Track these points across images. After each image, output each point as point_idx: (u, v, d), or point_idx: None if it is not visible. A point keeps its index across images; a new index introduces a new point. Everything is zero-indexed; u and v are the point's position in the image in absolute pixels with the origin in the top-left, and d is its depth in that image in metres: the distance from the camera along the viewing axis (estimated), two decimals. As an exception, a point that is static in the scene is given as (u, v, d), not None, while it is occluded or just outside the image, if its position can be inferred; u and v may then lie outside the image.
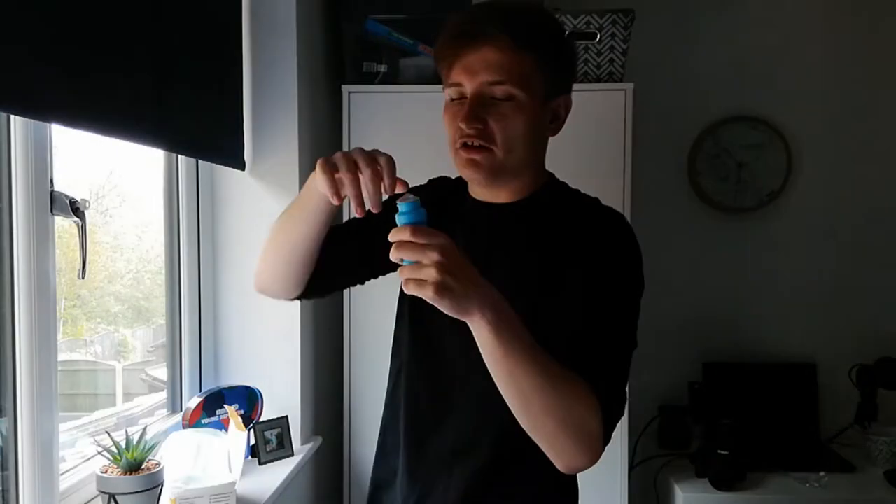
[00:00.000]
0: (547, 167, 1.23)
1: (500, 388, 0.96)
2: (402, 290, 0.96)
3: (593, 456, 0.99)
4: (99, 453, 1.32)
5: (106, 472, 1.31)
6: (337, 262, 1.23)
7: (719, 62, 2.60)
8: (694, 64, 2.60)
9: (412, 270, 0.87)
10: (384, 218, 1.09)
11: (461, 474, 1.15)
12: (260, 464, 1.79)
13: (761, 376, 2.54)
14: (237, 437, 1.65)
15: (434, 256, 0.86)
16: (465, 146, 1.08)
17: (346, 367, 2.20)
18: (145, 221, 1.87)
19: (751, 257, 2.64)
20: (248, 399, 1.85)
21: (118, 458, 1.31)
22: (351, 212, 1.01)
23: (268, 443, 1.82)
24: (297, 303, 1.91)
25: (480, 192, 1.19)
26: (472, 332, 0.93)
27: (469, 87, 1.06)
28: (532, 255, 1.11)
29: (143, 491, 1.30)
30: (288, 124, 1.91)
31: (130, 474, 1.30)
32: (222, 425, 1.74)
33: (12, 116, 1.16)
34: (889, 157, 2.60)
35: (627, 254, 1.10)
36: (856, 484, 2.14)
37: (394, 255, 0.88)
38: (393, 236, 0.88)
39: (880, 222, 2.61)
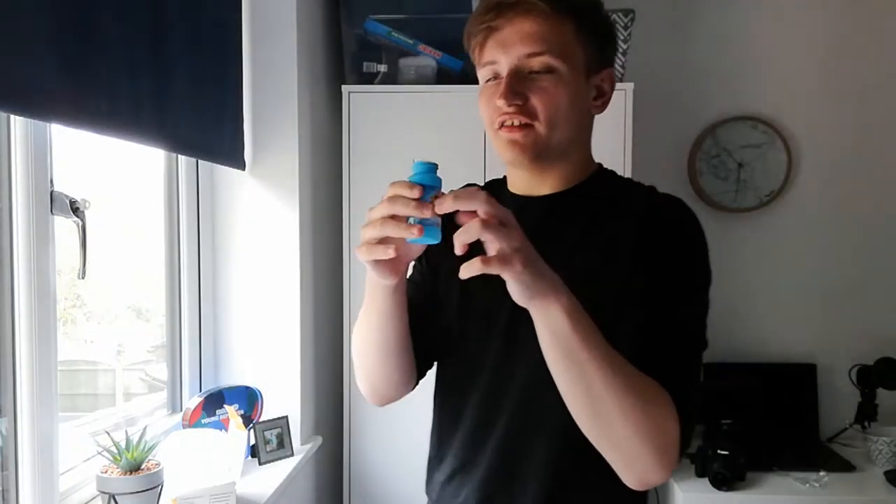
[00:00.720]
0: None
1: (564, 390, 0.86)
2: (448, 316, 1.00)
3: (669, 467, 0.87)
4: (99, 453, 1.32)
5: (106, 472, 1.31)
6: (428, 331, 1.10)
7: (719, 62, 2.60)
8: (694, 64, 2.60)
9: (500, 262, 0.77)
10: (432, 251, 1.05)
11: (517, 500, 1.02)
12: (260, 464, 1.79)
13: (761, 376, 2.54)
14: (237, 437, 1.65)
15: (515, 242, 0.77)
16: (505, 126, 0.98)
17: (346, 367, 2.20)
18: (145, 221, 1.87)
19: (751, 257, 2.64)
20: (248, 399, 1.85)
21: (118, 458, 1.31)
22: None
23: (268, 443, 1.82)
24: (297, 303, 1.92)
25: (521, 184, 1.08)
26: (540, 321, 0.83)
27: (505, 63, 0.97)
28: (586, 252, 0.99)
29: (143, 491, 1.30)
30: (288, 124, 1.91)
31: (130, 474, 1.30)
32: (222, 425, 1.74)
33: (12, 116, 1.16)
34: (889, 157, 2.60)
35: (693, 243, 0.98)
36: (856, 484, 2.14)
37: (470, 235, 0.77)
38: (455, 204, 0.78)
39: (880, 222, 2.61)
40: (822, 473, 2.13)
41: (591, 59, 1.00)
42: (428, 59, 2.16)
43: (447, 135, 2.12)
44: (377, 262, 0.88)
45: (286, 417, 1.88)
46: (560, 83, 0.96)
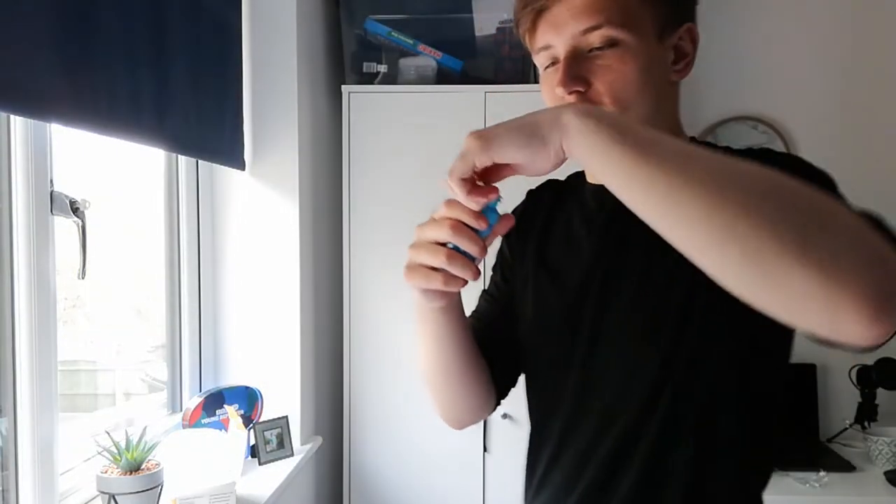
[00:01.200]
0: None
1: (679, 237, 0.59)
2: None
3: (885, 310, 0.52)
4: (99, 453, 1.32)
5: (106, 472, 1.30)
6: (506, 347, 1.00)
7: (719, 62, 2.60)
8: (694, 64, 2.60)
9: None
10: (506, 262, 1.02)
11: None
12: (260, 464, 1.79)
13: (761, 376, 2.54)
14: (237, 437, 1.65)
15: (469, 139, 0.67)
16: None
17: (346, 367, 2.20)
18: (145, 221, 1.87)
19: (751, 257, 2.64)
20: (248, 399, 1.85)
21: (118, 458, 1.31)
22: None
23: (268, 443, 1.82)
24: (297, 303, 1.92)
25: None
26: (580, 155, 0.64)
27: (560, 45, 0.84)
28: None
29: (143, 491, 1.30)
30: (288, 124, 1.91)
31: (130, 474, 1.30)
32: (222, 425, 1.74)
33: (12, 116, 1.15)
34: (889, 157, 2.60)
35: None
36: (856, 484, 2.14)
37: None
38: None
39: (880, 222, 2.61)
40: (821, 473, 2.13)
41: (664, 17, 0.86)
42: (428, 59, 2.16)
43: (447, 135, 2.12)
44: (430, 290, 0.77)
45: (286, 417, 1.88)
46: (627, 56, 0.83)
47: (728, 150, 0.83)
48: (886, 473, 2.15)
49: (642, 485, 0.83)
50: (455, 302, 0.86)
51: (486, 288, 1.08)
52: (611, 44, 0.82)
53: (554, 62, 0.86)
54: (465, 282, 0.73)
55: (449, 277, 0.72)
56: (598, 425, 0.87)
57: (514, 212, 1.03)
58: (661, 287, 0.82)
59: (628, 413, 0.84)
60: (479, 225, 0.70)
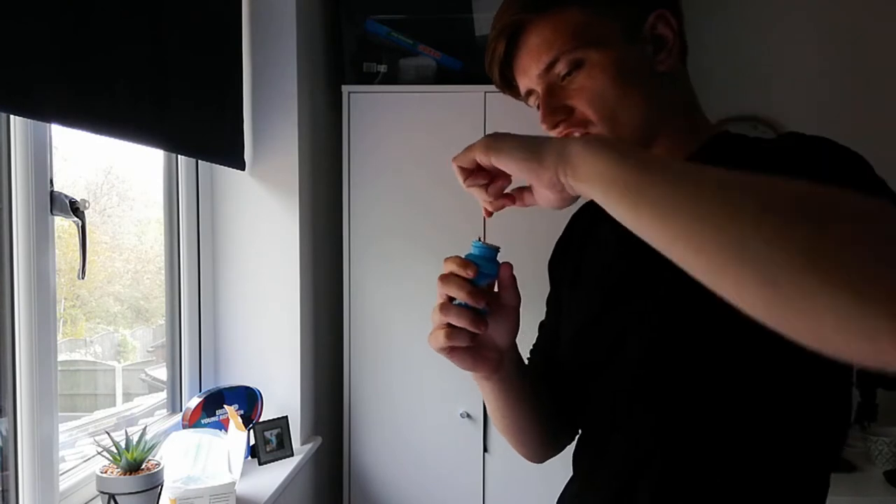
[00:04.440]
0: None
1: (704, 269, 0.52)
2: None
3: None
4: (99, 453, 1.32)
5: (106, 472, 1.31)
6: (567, 383, 0.96)
7: (719, 62, 2.60)
8: (694, 64, 2.59)
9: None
10: (551, 291, 1.02)
11: None
12: (260, 464, 1.79)
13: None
14: (237, 437, 1.65)
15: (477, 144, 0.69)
16: None
17: (346, 367, 2.20)
18: (144, 221, 1.87)
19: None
20: (248, 399, 1.85)
21: (118, 458, 1.31)
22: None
23: (268, 443, 1.82)
24: (297, 303, 1.92)
25: None
26: (582, 190, 0.63)
27: (537, 87, 0.86)
28: None
29: (142, 491, 1.30)
30: (288, 124, 1.91)
31: (130, 474, 1.30)
32: (222, 425, 1.74)
33: (12, 116, 1.16)
34: (889, 157, 2.60)
35: (846, 173, 0.69)
36: (856, 484, 2.14)
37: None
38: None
39: (880, 222, 2.61)
40: (822, 473, 2.13)
41: (626, 17, 0.84)
42: (428, 59, 2.16)
43: (447, 135, 2.12)
44: (454, 352, 0.78)
45: (286, 417, 1.88)
46: (595, 72, 0.82)
47: (757, 141, 0.84)
48: (886, 473, 2.15)
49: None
50: (504, 370, 0.86)
51: (544, 321, 1.08)
52: (576, 65, 0.82)
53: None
54: (472, 335, 0.75)
55: (451, 331, 0.74)
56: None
57: (558, 240, 1.06)
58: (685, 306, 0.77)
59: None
60: (466, 273, 0.73)
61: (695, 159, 0.83)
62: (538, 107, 0.87)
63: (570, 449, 0.99)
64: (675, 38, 0.86)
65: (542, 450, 1.01)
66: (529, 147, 0.66)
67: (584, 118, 0.83)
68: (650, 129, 0.84)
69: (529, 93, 0.88)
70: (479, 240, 0.76)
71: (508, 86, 0.91)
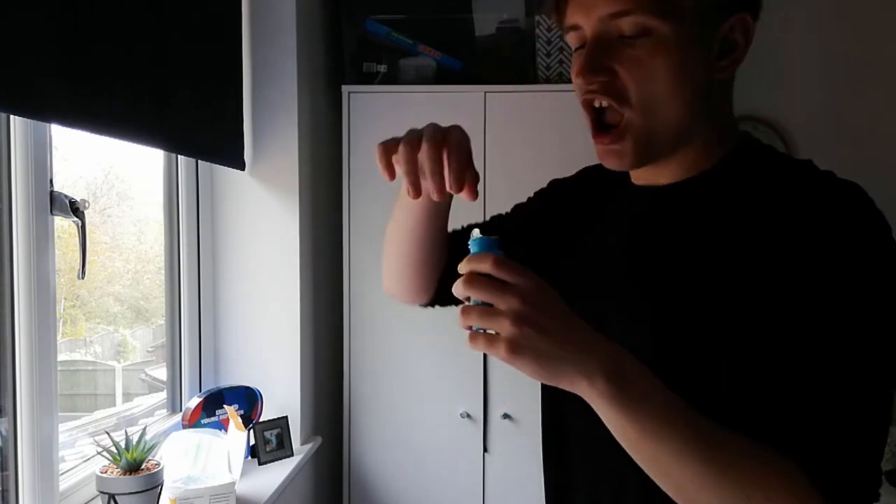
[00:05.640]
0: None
1: (645, 470, 0.67)
2: None
3: None
4: (99, 453, 1.32)
5: (106, 472, 1.31)
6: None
7: (719, 62, 2.60)
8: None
9: (481, 316, 0.63)
10: (533, 214, 0.97)
11: None
12: (260, 464, 1.79)
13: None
14: (237, 437, 1.65)
15: (513, 302, 0.61)
16: (597, 131, 0.79)
17: (346, 367, 2.20)
18: (144, 221, 1.87)
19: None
20: (247, 399, 1.85)
21: (118, 458, 1.31)
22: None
23: (268, 443, 1.82)
24: (297, 303, 1.92)
25: (637, 174, 0.87)
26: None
27: (587, 27, 0.76)
28: (714, 259, 0.74)
29: (142, 491, 1.30)
30: (288, 124, 1.91)
31: (130, 474, 1.30)
32: (222, 425, 1.74)
33: (12, 116, 1.16)
34: (889, 158, 2.60)
35: (871, 253, 0.68)
36: (856, 484, 2.14)
37: (459, 290, 0.64)
38: (465, 265, 0.64)
39: (880, 222, 2.60)
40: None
41: (713, 3, 0.75)
42: (428, 59, 2.16)
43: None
44: (387, 163, 0.76)
45: (286, 417, 1.88)
46: (660, 49, 0.73)
47: (783, 163, 0.79)
48: (886, 473, 2.15)
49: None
50: (441, 207, 0.87)
51: (499, 214, 1.05)
52: (643, 32, 0.73)
53: (583, 44, 0.78)
54: None
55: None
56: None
57: (564, 180, 1.02)
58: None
59: None
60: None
61: (717, 170, 0.80)
62: (577, 48, 0.79)
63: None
64: (745, 48, 0.80)
65: (414, 288, 1.03)
66: (552, 366, 0.62)
67: (623, 91, 0.75)
68: (681, 136, 0.79)
69: (574, 28, 0.78)
70: (479, 233, 0.69)
71: (556, 7, 0.81)
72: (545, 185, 1.06)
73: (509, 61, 2.19)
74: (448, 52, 2.16)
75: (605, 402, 0.63)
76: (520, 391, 2.11)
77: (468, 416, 2.13)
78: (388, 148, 0.75)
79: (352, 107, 2.17)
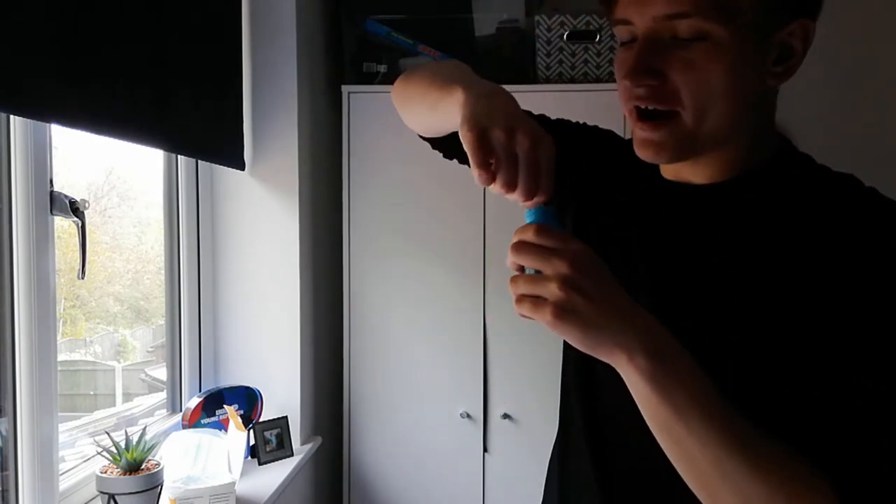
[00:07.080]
0: None
1: (669, 457, 0.67)
2: None
3: None
4: (99, 453, 1.32)
5: (106, 472, 1.31)
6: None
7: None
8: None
9: (528, 283, 0.63)
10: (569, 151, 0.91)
11: None
12: (260, 464, 1.79)
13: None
14: (237, 438, 1.65)
15: (561, 267, 0.61)
16: (639, 117, 0.75)
17: (346, 367, 2.20)
18: (145, 221, 1.87)
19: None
20: (247, 399, 1.85)
21: (118, 458, 1.31)
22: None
23: (268, 443, 1.82)
24: (297, 304, 1.92)
25: (670, 168, 0.83)
26: (623, 379, 0.65)
27: (640, 24, 0.72)
28: (753, 264, 0.73)
29: (142, 491, 1.30)
30: (288, 124, 1.91)
31: (130, 474, 1.30)
32: (222, 425, 1.74)
33: (12, 116, 1.16)
34: (889, 158, 2.60)
35: None
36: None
37: (509, 261, 0.65)
38: (515, 236, 0.65)
39: (880, 222, 2.60)
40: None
41: (773, 8, 0.72)
42: (428, 59, 2.17)
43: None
44: (485, 165, 0.68)
45: (286, 417, 1.88)
46: (715, 53, 0.70)
47: (823, 176, 0.78)
48: (886, 473, 2.15)
49: None
50: None
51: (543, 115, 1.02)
52: (699, 36, 0.70)
53: (632, 38, 0.74)
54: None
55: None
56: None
57: (623, 143, 0.95)
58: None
59: None
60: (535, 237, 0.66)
61: (757, 174, 0.79)
62: (625, 42, 0.76)
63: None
64: (802, 54, 0.76)
65: (422, 129, 1.07)
66: (594, 334, 0.62)
67: (674, 94, 0.72)
68: (726, 138, 0.76)
69: (624, 22, 0.74)
70: (538, 205, 0.67)
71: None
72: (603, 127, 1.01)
73: (509, 61, 2.19)
74: (448, 52, 2.16)
75: (641, 379, 0.63)
76: (520, 391, 2.11)
77: (468, 416, 2.13)
78: (484, 153, 0.68)
79: (352, 107, 2.17)
